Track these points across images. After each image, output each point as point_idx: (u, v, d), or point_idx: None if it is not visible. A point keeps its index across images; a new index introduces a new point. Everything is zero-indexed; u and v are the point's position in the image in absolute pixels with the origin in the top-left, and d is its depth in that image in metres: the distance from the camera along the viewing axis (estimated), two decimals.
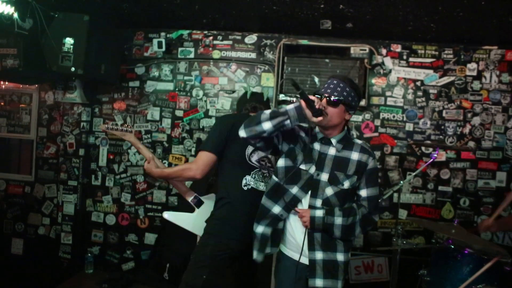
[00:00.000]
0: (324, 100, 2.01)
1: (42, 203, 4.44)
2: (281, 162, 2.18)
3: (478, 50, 3.90)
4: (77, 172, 4.35)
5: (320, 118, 1.93)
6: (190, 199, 2.73)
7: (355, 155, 2.09)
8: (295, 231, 2.15)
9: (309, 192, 2.10)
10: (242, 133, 2.05)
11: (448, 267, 2.78)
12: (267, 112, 2.01)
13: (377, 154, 4.01)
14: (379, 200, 2.17)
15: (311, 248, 2.09)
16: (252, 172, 2.41)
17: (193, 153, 4.25)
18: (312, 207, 2.08)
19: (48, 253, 4.38)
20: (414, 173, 3.33)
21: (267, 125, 1.97)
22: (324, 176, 2.07)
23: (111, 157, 4.40)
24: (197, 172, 2.34)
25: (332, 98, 2.00)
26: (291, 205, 2.12)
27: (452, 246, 2.83)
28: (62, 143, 4.37)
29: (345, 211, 2.07)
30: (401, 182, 3.27)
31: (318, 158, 2.10)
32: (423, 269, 2.99)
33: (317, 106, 1.91)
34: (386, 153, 4.01)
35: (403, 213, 3.97)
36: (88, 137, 4.40)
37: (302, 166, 2.11)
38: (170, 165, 4.27)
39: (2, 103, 4.55)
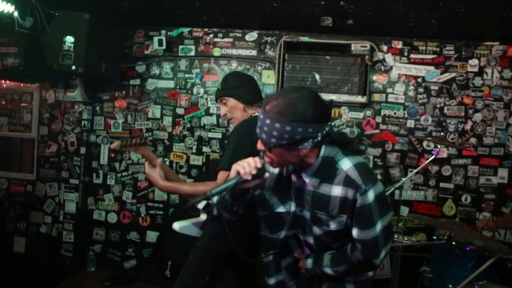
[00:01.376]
0: (259, 143, 1.53)
1: (43, 202, 4.45)
2: (259, 213, 1.81)
3: (479, 46, 3.88)
4: (78, 171, 4.35)
5: (267, 174, 1.55)
6: (201, 206, 2.52)
7: (337, 190, 1.56)
8: None
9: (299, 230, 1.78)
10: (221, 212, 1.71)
11: (450, 264, 2.78)
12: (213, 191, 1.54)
13: (379, 151, 4.01)
14: (380, 240, 1.58)
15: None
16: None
17: (194, 151, 4.25)
18: (307, 242, 1.77)
19: (50, 252, 4.39)
20: (415, 170, 3.33)
21: (215, 199, 1.67)
22: (307, 214, 1.66)
23: (113, 155, 4.40)
24: None
25: (263, 141, 1.49)
26: (288, 241, 1.83)
27: (454, 243, 2.83)
28: (64, 142, 4.37)
29: (333, 259, 1.68)
30: (403, 179, 3.28)
31: (296, 193, 1.67)
32: (424, 266, 2.99)
33: (246, 177, 1.48)
34: (387, 150, 4.01)
35: (404, 210, 3.97)
36: (89, 136, 4.40)
37: (280, 209, 1.71)
38: (171, 163, 4.27)
39: (3, 102, 4.55)
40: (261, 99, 2.47)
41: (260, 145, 1.53)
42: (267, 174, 1.54)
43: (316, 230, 1.66)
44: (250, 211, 2.10)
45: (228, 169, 1.96)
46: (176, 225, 2.38)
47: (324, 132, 1.48)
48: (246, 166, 1.48)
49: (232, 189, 1.52)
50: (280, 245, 1.81)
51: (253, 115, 2.40)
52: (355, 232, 1.58)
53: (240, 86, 2.39)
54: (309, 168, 1.56)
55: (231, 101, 2.39)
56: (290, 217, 1.71)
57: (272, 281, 1.86)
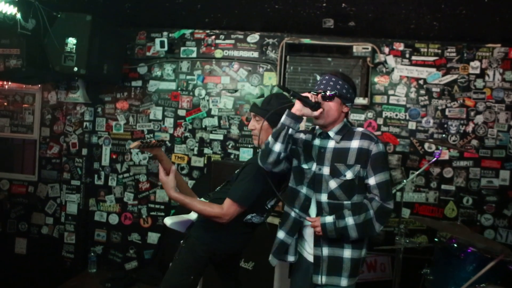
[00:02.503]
0: (319, 95, 2.02)
1: (45, 203, 4.46)
2: (292, 166, 2.21)
3: (481, 48, 3.88)
4: (80, 172, 4.36)
5: (320, 110, 1.97)
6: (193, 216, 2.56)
7: (355, 143, 2.03)
8: (306, 231, 2.18)
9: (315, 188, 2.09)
10: (266, 167, 2.09)
11: (451, 266, 2.77)
12: (269, 138, 2.05)
13: None
14: (390, 186, 2.04)
15: (317, 244, 2.08)
16: (260, 212, 2.38)
17: (195, 152, 4.25)
18: (319, 203, 2.06)
19: (51, 253, 4.39)
20: (417, 172, 3.33)
21: (277, 147, 2.00)
22: (326, 170, 2.04)
23: (114, 156, 4.41)
24: (227, 223, 2.24)
25: (328, 93, 2.01)
26: (305, 205, 2.11)
27: (455, 245, 2.83)
28: (65, 143, 4.38)
29: (355, 209, 2.01)
30: (404, 181, 3.28)
31: (318, 153, 2.09)
32: (426, 268, 2.99)
33: (312, 100, 1.95)
34: (389, 152, 4.00)
35: (406, 212, 3.97)
36: (91, 137, 4.41)
37: (304, 165, 2.13)
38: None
39: (5, 103, 4.56)
40: None
41: (319, 98, 2.01)
42: (320, 110, 1.97)
43: (332, 183, 2.03)
44: (245, 231, 2.27)
45: (239, 202, 2.20)
46: (168, 221, 2.46)
47: (352, 105, 2.16)
48: (312, 95, 1.99)
49: (302, 99, 1.94)
50: (300, 202, 2.12)
51: None
52: (372, 179, 2.01)
53: (279, 114, 2.23)
54: (335, 126, 2.08)
55: (265, 124, 2.32)
56: (310, 175, 2.09)
57: (291, 258, 2.20)
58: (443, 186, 3.95)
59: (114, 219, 4.41)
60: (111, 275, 4.15)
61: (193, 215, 2.55)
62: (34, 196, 4.48)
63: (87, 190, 4.40)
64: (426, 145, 3.95)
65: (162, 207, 4.32)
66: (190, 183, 4.24)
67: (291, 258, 2.20)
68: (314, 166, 2.09)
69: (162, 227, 4.29)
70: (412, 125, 3.98)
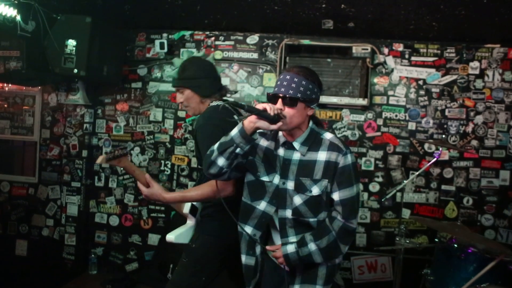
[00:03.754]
0: (279, 101, 1.77)
1: (45, 205, 4.45)
2: (245, 179, 1.98)
3: (480, 48, 3.89)
4: (80, 174, 4.36)
5: (280, 124, 1.72)
6: (186, 210, 2.45)
7: (322, 155, 1.83)
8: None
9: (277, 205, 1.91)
10: (207, 175, 1.91)
11: (452, 266, 2.77)
12: (215, 147, 1.83)
13: (380, 153, 4.01)
14: (356, 202, 1.86)
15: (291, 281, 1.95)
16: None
17: (195, 153, 4.24)
18: (283, 219, 1.89)
19: (52, 254, 4.39)
20: (417, 173, 3.33)
21: (221, 161, 1.81)
22: (290, 184, 1.85)
23: None
24: (234, 189, 2.11)
25: (287, 95, 1.76)
26: (262, 223, 1.94)
27: (456, 245, 2.83)
28: (65, 145, 4.38)
29: (316, 233, 1.85)
30: (404, 181, 3.28)
31: (282, 165, 1.88)
32: (426, 268, 2.99)
33: (271, 113, 1.69)
34: (388, 153, 4.01)
35: (406, 213, 3.97)
36: (91, 139, 4.41)
37: (265, 178, 1.91)
38: (172, 166, 4.28)
39: (5, 105, 4.57)
40: (219, 89, 2.34)
41: (279, 104, 1.77)
42: (279, 123, 1.72)
43: (297, 199, 1.85)
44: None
45: None
46: (171, 237, 2.31)
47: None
48: (271, 106, 1.71)
49: (259, 114, 1.69)
50: (256, 219, 1.93)
51: (210, 104, 2.31)
52: (336, 195, 1.84)
53: (198, 77, 2.26)
54: (300, 136, 1.86)
55: (188, 92, 2.30)
56: (272, 188, 1.89)
57: (244, 259, 2.02)
58: (443, 187, 3.95)
59: (114, 221, 4.41)
60: (111, 276, 4.15)
61: (189, 222, 2.46)
62: (35, 198, 4.48)
63: (87, 191, 4.40)
64: (426, 146, 3.95)
65: (163, 208, 4.32)
66: (190, 184, 4.24)
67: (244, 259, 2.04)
68: (276, 179, 1.89)
69: (163, 228, 4.29)
70: (412, 126, 3.98)
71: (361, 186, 1.91)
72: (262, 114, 1.69)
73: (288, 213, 1.88)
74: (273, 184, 1.90)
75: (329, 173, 1.82)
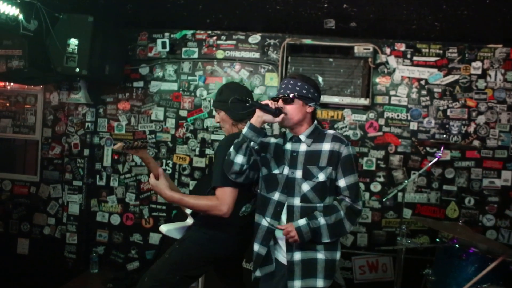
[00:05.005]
0: (280, 101, 2.07)
1: (47, 203, 4.46)
2: (260, 174, 2.20)
3: (482, 48, 3.88)
4: (82, 172, 4.37)
5: (282, 115, 2.01)
6: (189, 211, 2.60)
7: (326, 146, 2.07)
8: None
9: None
10: (231, 178, 2.11)
11: (453, 267, 2.77)
12: (231, 149, 2.07)
13: (382, 153, 4.01)
14: (359, 188, 2.11)
15: (289, 249, 2.07)
16: (252, 200, 2.37)
17: (197, 153, 4.26)
18: (291, 207, 2.07)
19: (53, 253, 4.41)
20: (418, 172, 3.33)
21: (239, 159, 2.04)
22: (299, 173, 2.07)
23: (116, 157, 4.42)
24: (228, 212, 2.21)
25: (286, 95, 2.06)
26: (277, 212, 2.10)
27: (457, 246, 2.82)
28: (67, 144, 4.39)
29: (326, 210, 2.05)
30: (406, 181, 3.27)
31: (291, 157, 2.11)
32: (427, 269, 2.98)
33: (272, 107, 1.98)
34: (390, 152, 4.00)
35: (407, 213, 3.96)
36: (92, 138, 4.42)
37: (276, 171, 2.13)
38: (174, 165, 4.28)
39: (7, 104, 4.58)
40: (250, 116, 2.49)
41: (280, 103, 2.06)
42: (282, 116, 2.01)
43: (305, 186, 2.05)
44: (240, 232, 2.28)
45: (223, 185, 2.19)
46: (163, 228, 2.52)
47: (318, 105, 2.18)
48: (272, 101, 2.02)
49: (261, 108, 1.98)
50: (272, 209, 2.10)
51: (241, 129, 2.37)
52: (342, 181, 2.06)
53: (227, 101, 2.30)
54: (305, 131, 2.12)
55: (222, 114, 2.48)
56: (283, 179, 2.09)
57: (271, 268, 2.17)
58: (444, 187, 3.95)
59: (116, 220, 4.42)
60: (113, 275, 4.16)
61: (189, 221, 2.55)
62: (36, 196, 4.49)
63: (89, 190, 4.41)
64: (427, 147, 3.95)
65: (164, 207, 4.33)
66: (192, 183, 4.25)
67: (271, 268, 2.17)
68: (286, 170, 2.10)
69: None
70: (413, 126, 3.98)
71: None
72: (264, 108, 1.97)
73: (297, 201, 2.06)
74: (284, 175, 2.10)
75: (333, 161, 2.05)
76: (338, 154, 2.05)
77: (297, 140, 2.13)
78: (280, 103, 2.07)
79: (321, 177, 2.03)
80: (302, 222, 2.00)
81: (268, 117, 1.99)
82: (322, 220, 2.00)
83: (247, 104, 1.97)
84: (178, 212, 4.24)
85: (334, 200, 2.11)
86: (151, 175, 2.33)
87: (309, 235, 1.99)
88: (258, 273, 2.17)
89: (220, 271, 2.65)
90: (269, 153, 2.19)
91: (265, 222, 2.12)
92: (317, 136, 2.12)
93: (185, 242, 2.41)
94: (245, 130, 2.02)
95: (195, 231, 2.43)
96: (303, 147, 2.10)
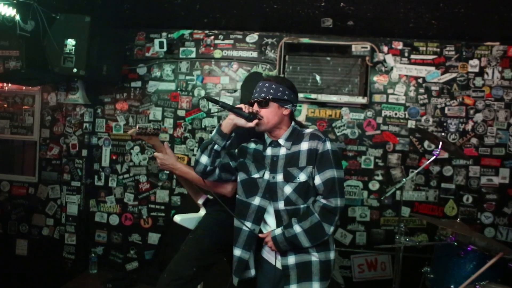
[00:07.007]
0: (255, 105, 2.03)
1: (45, 204, 4.46)
2: (238, 179, 2.16)
3: (480, 46, 3.89)
4: (80, 173, 4.36)
5: (255, 121, 1.96)
6: (200, 201, 2.64)
7: (304, 145, 2.02)
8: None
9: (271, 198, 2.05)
10: (198, 173, 2.10)
11: (452, 264, 2.78)
12: (199, 148, 2.07)
13: (380, 151, 4.01)
14: (338, 183, 1.97)
15: (283, 253, 2.03)
16: None
17: (195, 152, 4.25)
18: (277, 211, 2.02)
19: (52, 254, 4.40)
20: (416, 170, 3.33)
21: (203, 159, 2.02)
22: (279, 177, 2.02)
23: (114, 157, 4.41)
24: (232, 192, 2.25)
25: (260, 98, 2.02)
26: (258, 217, 2.06)
27: (455, 243, 2.83)
28: (65, 144, 4.38)
29: (301, 216, 1.98)
30: (404, 179, 3.27)
31: (271, 162, 2.06)
32: (426, 266, 2.99)
33: (245, 111, 1.94)
34: (388, 151, 4.01)
35: (406, 211, 3.97)
36: (90, 138, 4.42)
37: (256, 175, 2.08)
38: None
39: (5, 105, 4.57)
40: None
41: (256, 107, 2.03)
42: (254, 121, 1.96)
43: (287, 189, 2.00)
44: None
45: None
46: (177, 218, 2.55)
47: (296, 106, 2.15)
48: (246, 106, 1.98)
49: (232, 110, 1.95)
50: (253, 214, 2.07)
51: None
52: (317, 178, 1.98)
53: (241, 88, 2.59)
54: (283, 134, 2.08)
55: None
56: (264, 184, 2.05)
57: (252, 273, 2.16)
58: (443, 185, 3.95)
59: (114, 220, 4.42)
60: (112, 275, 4.15)
61: (202, 212, 2.61)
62: (35, 197, 4.48)
63: (87, 191, 4.41)
64: (425, 144, 3.95)
65: (163, 207, 4.33)
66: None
67: (252, 273, 2.15)
68: (267, 175, 2.06)
69: (163, 227, 4.29)
70: (411, 124, 3.98)
71: (343, 173, 2.04)
72: (235, 111, 1.94)
73: (281, 205, 2.01)
74: (264, 179, 2.06)
75: (312, 159, 1.99)
76: (316, 152, 1.99)
77: (277, 145, 2.09)
78: (255, 107, 2.02)
79: (302, 177, 1.98)
80: (277, 232, 1.99)
81: (241, 121, 1.95)
82: (297, 228, 1.94)
83: (218, 105, 1.95)
84: (177, 212, 4.24)
85: None
86: (156, 153, 2.37)
87: (285, 244, 1.97)
88: (236, 280, 2.14)
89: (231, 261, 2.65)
90: (248, 159, 2.15)
91: (245, 227, 2.08)
92: (296, 137, 2.07)
93: (197, 231, 2.46)
94: (213, 132, 2.00)
95: (206, 219, 2.49)
96: (282, 151, 2.06)
